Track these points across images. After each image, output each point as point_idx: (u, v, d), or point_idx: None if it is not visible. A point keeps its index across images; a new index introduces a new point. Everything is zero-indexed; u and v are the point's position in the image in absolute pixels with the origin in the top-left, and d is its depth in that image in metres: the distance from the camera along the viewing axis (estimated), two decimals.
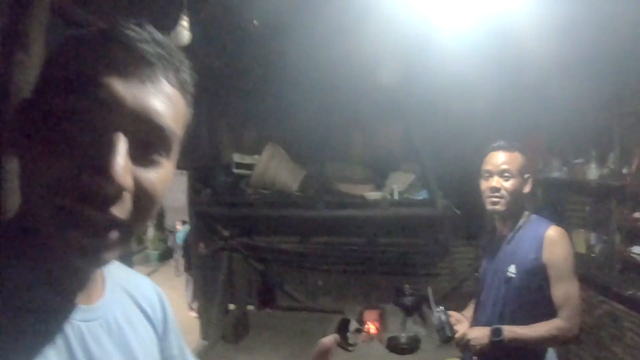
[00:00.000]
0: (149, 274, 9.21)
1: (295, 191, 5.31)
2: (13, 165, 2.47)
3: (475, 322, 2.48)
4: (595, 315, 4.10)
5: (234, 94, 5.87)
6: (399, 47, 4.20)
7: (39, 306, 0.65)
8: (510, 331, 2.18)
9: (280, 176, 5.26)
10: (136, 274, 0.98)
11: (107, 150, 0.59)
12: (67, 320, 0.67)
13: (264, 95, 5.66)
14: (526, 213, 2.38)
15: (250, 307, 6.68)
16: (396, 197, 5.12)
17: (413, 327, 5.57)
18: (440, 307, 2.54)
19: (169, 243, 9.52)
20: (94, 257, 0.64)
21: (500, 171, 2.29)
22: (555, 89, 4.34)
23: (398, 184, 5.22)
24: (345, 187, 5.21)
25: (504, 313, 2.30)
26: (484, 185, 2.35)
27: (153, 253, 9.93)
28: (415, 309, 5.74)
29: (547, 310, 2.23)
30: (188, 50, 5.01)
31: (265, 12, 3.91)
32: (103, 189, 0.58)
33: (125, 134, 0.61)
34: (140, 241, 10.54)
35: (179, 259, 8.48)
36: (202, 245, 5.77)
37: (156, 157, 0.67)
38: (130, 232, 0.66)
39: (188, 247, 6.78)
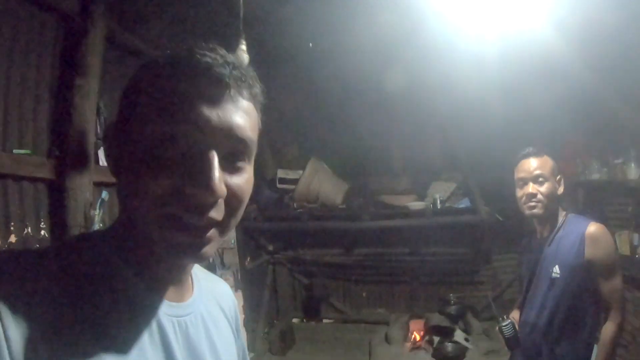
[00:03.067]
0: None
1: (339, 204, 5.25)
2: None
3: (522, 324, 2.45)
4: (638, 317, 3.95)
5: (276, 112, 5.88)
6: (437, 58, 4.15)
7: (140, 303, 0.73)
8: None
9: (324, 190, 5.23)
10: (215, 277, 1.03)
11: (205, 165, 0.68)
12: (164, 315, 0.76)
13: (305, 111, 5.67)
14: (563, 213, 2.36)
15: (295, 320, 6.63)
16: (439, 206, 5.02)
17: (459, 335, 5.43)
18: (508, 320, 2.46)
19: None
20: (197, 254, 0.71)
21: (534, 177, 2.29)
22: (590, 90, 4.25)
23: (440, 193, 5.14)
24: (388, 199, 5.15)
25: (552, 312, 2.27)
26: (520, 192, 2.35)
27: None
28: (460, 318, 5.61)
29: (592, 305, 2.23)
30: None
31: (312, 33, 3.93)
32: (205, 198, 0.68)
33: (216, 149, 0.69)
34: None
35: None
36: (248, 259, 5.74)
37: (241, 164, 0.75)
38: (225, 229, 0.75)
39: None
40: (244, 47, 2.88)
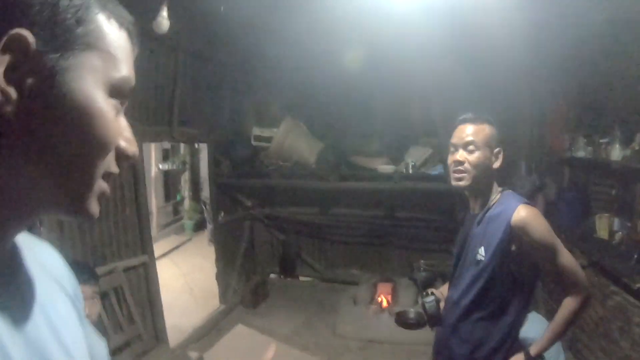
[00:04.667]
0: (183, 243, 9.27)
1: (312, 164, 5.10)
2: None
3: (447, 300, 2.25)
4: (607, 306, 3.73)
5: (256, 71, 5.69)
6: (418, 23, 3.93)
7: None
8: (538, 348, 1.96)
9: (298, 149, 5.08)
10: (38, 241, 0.74)
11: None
12: None
13: (285, 70, 5.48)
14: (498, 189, 2.08)
15: (273, 275, 6.59)
16: (410, 171, 4.84)
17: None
18: (432, 296, 2.28)
19: (205, 214, 9.45)
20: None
21: (465, 144, 2.01)
22: (581, 63, 4.04)
23: (414, 158, 4.95)
24: (359, 160, 4.98)
25: (475, 295, 2.05)
26: (449, 159, 2.09)
27: (188, 223, 9.91)
28: (428, 285, 5.50)
29: (519, 292, 2.02)
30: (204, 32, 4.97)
31: None
32: None
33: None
34: (177, 212, 10.52)
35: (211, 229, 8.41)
36: (222, 214, 5.65)
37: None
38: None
39: None
40: (165, 14, 2.70)
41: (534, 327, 2.17)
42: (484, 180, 2.03)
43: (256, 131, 5.41)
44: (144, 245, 4.21)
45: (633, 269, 3.47)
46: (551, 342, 1.96)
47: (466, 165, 2.00)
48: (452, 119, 2.17)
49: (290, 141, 5.08)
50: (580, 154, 4.35)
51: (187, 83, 4.71)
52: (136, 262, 4.10)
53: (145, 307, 4.27)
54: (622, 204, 4.07)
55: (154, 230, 9.23)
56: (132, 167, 3.92)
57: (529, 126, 5.01)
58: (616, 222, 4.07)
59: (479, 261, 2.02)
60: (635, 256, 3.58)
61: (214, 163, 5.38)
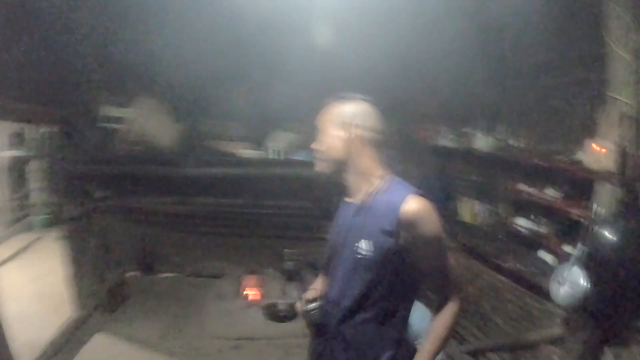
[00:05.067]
0: (33, 242, 8.21)
1: (166, 147, 4.60)
2: None
3: (325, 299, 1.95)
4: (477, 286, 3.79)
5: (108, 43, 5.02)
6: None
7: None
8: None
9: (150, 131, 4.54)
10: None
11: None
12: None
13: (139, 43, 4.89)
14: (381, 175, 1.82)
15: (130, 274, 5.97)
16: (273, 156, 4.53)
17: (293, 293, 5.09)
18: (314, 302, 1.96)
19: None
20: None
21: (317, 129, 1.89)
22: (445, 56, 4.07)
23: (277, 142, 4.63)
24: (220, 145, 4.56)
25: (358, 293, 1.79)
26: None
27: (39, 219, 8.78)
28: (296, 274, 5.27)
29: (408, 289, 1.81)
30: None
31: None
32: None
33: None
34: (22, 207, 9.24)
35: None
36: (69, 207, 4.94)
37: None
38: None
39: None
40: None
41: (416, 316, 1.94)
42: (343, 166, 1.82)
43: (105, 110, 4.78)
44: None
45: (500, 249, 3.74)
46: (436, 352, 1.76)
47: (318, 153, 1.86)
48: (319, 102, 1.93)
49: (142, 122, 4.53)
50: (444, 142, 4.53)
51: (27, 51, 3.92)
52: None
53: None
54: (483, 189, 4.34)
55: None
56: None
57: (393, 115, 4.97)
58: (478, 206, 4.26)
59: (360, 256, 1.74)
60: (500, 237, 3.75)
61: (59, 146, 4.66)
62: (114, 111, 4.82)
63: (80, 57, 4.81)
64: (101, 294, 5.16)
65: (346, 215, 1.88)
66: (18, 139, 9.08)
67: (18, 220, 8.89)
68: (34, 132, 8.89)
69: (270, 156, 4.52)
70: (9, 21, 3.60)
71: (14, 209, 9.17)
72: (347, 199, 1.92)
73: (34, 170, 8.93)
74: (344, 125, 1.79)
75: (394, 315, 1.79)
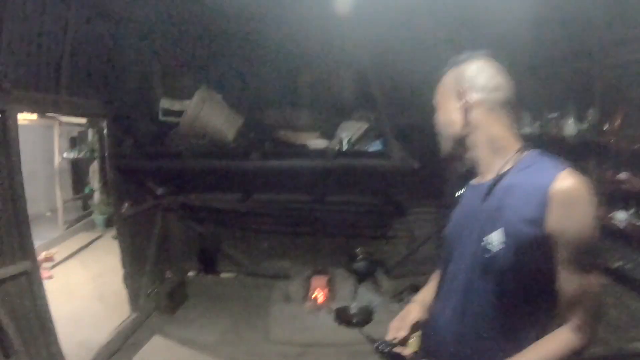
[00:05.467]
0: (94, 240, 8.13)
1: (230, 141, 4.26)
2: None
3: (435, 312, 1.55)
4: None
5: (165, 32, 4.75)
6: None
7: None
8: None
9: (214, 124, 4.23)
10: None
11: None
12: None
13: (199, 35, 4.60)
14: (518, 149, 1.39)
15: (190, 274, 5.70)
16: (345, 146, 4.10)
17: (365, 295, 4.68)
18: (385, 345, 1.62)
19: None
20: None
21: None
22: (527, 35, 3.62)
23: (348, 133, 4.21)
24: (286, 136, 4.18)
25: (486, 302, 1.35)
26: None
27: (99, 218, 8.72)
28: (368, 275, 4.84)
29: (542, 302, 1.32)
30: None
31: None
32: None
33: None
34: (87, 206, 9.34)
35: None
36: (126, 205, 4.68)
37: None
38: None
39: None
40: None
41: None
42: (468, 143, 1.44)
43: (164, 103, 4.49)
44: (24, 247, 3.10)
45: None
46: None
47: (437, 129, 1.54)
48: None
49: (205, 115, 4.20)
50: (527, 129, 3.96)
51: (79, 41, 3.70)
52: (13, 272, 2.98)
53: (31, 330, 3.19)
54: None
55: (60, 228, 8.10)
56: (3, 141, 2.92)
57: None
58: None
59: (490, 252, 1.31)
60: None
61: (114, 142, 4.40)
62: (173, 104, 4.51)
63: (137, 48, 4.58)
64: (160, 294, 4.90)
65: (472, 200, 1.45)
66: (78, 142, 9.11)
67: (80, 219, 8.88)
68: (93, 134, 8.90)
69: (341, 147, 4.09)
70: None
71: (76, 208, 9.23)
72: (474, 182, 1.50)
73: (95, 171, 8.88)
74: (461, 93, 1.41)
75: (530, 330, 1.33)
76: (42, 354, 3.29)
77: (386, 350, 1.60)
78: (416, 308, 1.70)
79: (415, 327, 1.65)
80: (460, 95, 1.41)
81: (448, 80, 1.47)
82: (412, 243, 5.22)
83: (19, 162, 3.03)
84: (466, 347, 1.39)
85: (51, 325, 3.34)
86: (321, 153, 4.06)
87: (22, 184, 3.07)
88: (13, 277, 3.01)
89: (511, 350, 1.30)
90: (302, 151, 4.12)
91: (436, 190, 5.06)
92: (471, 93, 1.39)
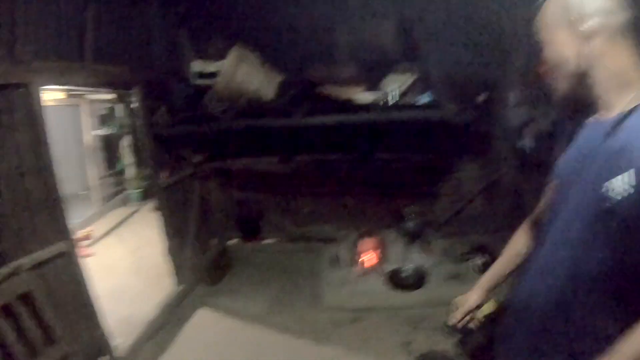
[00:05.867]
0: (130, 215, 8.04)
1: (270, 99, 3.98)
2: None
3: (530, 277, 1.33)
4: None
5: None
6: None
7: None
8: None
9: (251, 83, 3.95)
10: None
11: None
12: None
13: None
14: None
15: (231, 242, 5.52)
16: (392, 100, 3.79)
17: (416, 257, 4.42)
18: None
19: None
20: None
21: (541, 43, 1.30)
22: None
23: (394, 86, 3.90)
24: (330, 90, 3.88)
25: (602, 260, 1.09)
26: None
27: (134, 193, 8.66)
28: (418, 235, 4.58)
29: None
30: None
31: None
32: None
33: None
34: (121, 182, 9.25)
35: None
36: (164, 175, 4.47)
37: None
38: None
39: None
40: None
41: None
42: (586, 79, 1.19)
43: (197, 66, 4.23)
44: (59, 228, 2.92)
45: None
46: None
47: (546, 70, 1.30)
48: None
49: (242, 74, 3.93)
50: None
51: (102, 5, 3.43)
52: (50, 254, 2.82)
53: (72, 314, 3.04)
54: None
55: (95, 206, 8.03)
56: (27, 118, 2.70)
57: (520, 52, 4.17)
58: None
59: (612, 200, 1.04)
60: None
61: (146, 111, 4.16)
62: (206, 66, 4.24)
63: (163, 11, 4.30)
64: (202, 265, 4.74)
65: (590, 141, 1.20)
66: (107, 119, 8.99)
67: (114, 195, 8.80)
68: (122, 110, 8.75)
69: (388, 100, 3.78)
70: None
71: (111, 185, 9.15)
72: (591, 119, 1.25)
73: (126, 147, 8.76)
74: (573, 22, 1.17)
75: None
76: (85, 337, 3.14)
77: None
78: (477, 294, 1.69)
79: (473, 315, 1.66)
80: (572, 24, 1.16)
81: (553, 9, 1.22)
82: (459, 201, 4.95)
83: (46, 138, 2.82)
84: (569, 322, 1.17)
85: (93, 307, 3.19)
86: (369, 107, 3.76)
87: (51, 161, 2.86)
88: (49, 260, 2.84)
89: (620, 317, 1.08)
90: (349, 106, 3.82)
91: (484, 145, 4.76)
92: (585, 20, 1.14)
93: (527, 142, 4.36)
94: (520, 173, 4.58)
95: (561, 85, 1.25)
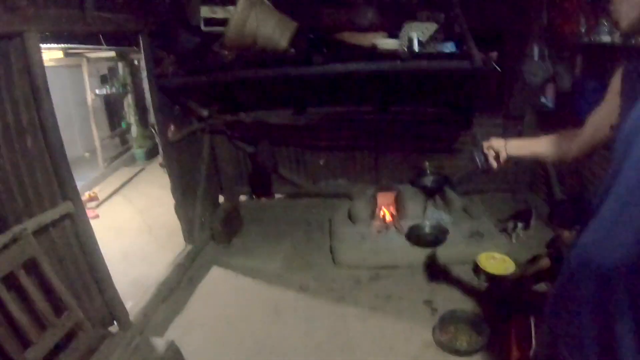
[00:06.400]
0: (136, 174, 7.84)
1: (284, 47, 3.70)
2: None
3: (583, 236, 1.28)
4: None
5: None
6: None
7: None
8: None
9: (264, 30, 3.64)
10: None
11: None
12: None
13: None
14: None
15: (242, 198, 5.33)
16: (417, 47, 3.51)
17: (435, 213, 4.24)
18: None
19: (156, 138, 7.98)
20: None
21: None
22: None
23: (417, 33, 3.60)
24: (349, 37, 3.60)
25: None
26: None
27: (139, 152, 8.45)
28: (437, 191, 4.38)
29: None
30: None
31: None
32: None
33: None
34: (125, 141, 9.03)
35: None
36: (172, 128, 4.22)
37: None
38: None
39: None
40: None
41: None
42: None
43: (205, 12, 3.91)
44: (64, 187, 2.70)
45: None
46: None
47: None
48: None
49: (253, 21, 3.62)
50: (604, 38, 3.37)
51: None
52: (55, 216, 2.60)
53: (83, 280, 2.87)
54: None
55: (100, 166, 7.84)
56: (25, 71, 2.43)
57: (541, 6, 3.97)
58: None
59: None
60: None
61: (151, 61, 3.88)
62: (215, 12, 3.93)
63: None
64: (215, 223, 4.54)
65: None
66: (109, 78, 8.71)
67: (119, 156, 8.60)
68: (123, 68, 8.45)
69: (413, 48, 3.48)
70: None
71: (115, 145, 8.95)
72: None
73: (129, 105, 8.51)
74: None
75: None
76: (97, 301, 2.97)
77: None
78: (504, 141, 1.87)
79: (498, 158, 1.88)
80: None
81: None
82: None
83: (47, 92, 2.55)
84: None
85: (104, 269, 3.00)
86: (393, 55, 3.47)
87: (53, 116, 2.60)
88: (55, 223, 2.63)
89: None
90: (370, 53, 3.52)
91: (504, 100, 4.52)
92: None
93: (548, 98, 4.15)
94: (540, 130, 4.37)
95: (617, 24, 1.22)
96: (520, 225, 4.14)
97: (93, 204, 6.20)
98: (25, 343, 2.22)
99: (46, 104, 2.55)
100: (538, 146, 1.78)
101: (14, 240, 2.28)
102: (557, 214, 3.64)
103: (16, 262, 2.26)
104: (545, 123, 4.32)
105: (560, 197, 4.12)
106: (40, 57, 2.52)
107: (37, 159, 2.54)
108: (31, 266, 2.38)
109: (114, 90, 8.43)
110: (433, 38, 3.79)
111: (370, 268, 3.86)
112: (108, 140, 8.72)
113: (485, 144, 1.94)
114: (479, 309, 3.20)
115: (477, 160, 1.97)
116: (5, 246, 2.23)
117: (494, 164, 1.90)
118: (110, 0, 3.21)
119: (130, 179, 7.71)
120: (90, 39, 5.54)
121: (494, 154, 1.89)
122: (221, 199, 5.23)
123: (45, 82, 2.55)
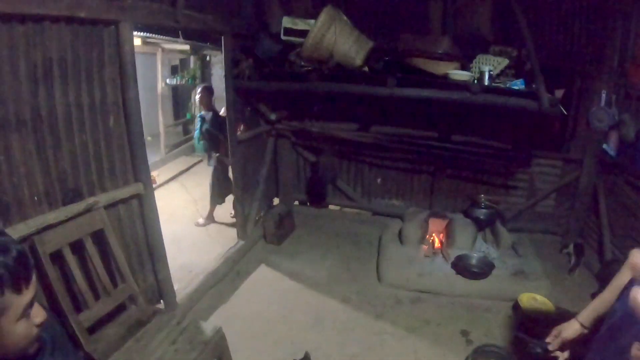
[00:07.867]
0: (194, 164, 8.07)
1: (358, 65, 3.79)
2: None
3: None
4: None
5: None
6: None
7: None
8: None
9: (341, 46, 3.76)
10: None
11: None
12: None
13: None
14: None
15: (297, 203, 5.45)
16: (487, 81, 3.53)
17: (483, 246, 4.21)
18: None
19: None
20: None
21: None
22: None
23: (489, 67, 3.62)
24: (422, 63, 3.64)
25: None
26: None
27: (199, 145, 8.65)
28: (488, 225, 4.35)
29: None
30: None
31: None
32: None
33: None
34: (187, 131, 9.31)
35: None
36: (241, 127, 4.38)
37: None
38: None
39: (212, 136, 5.44)
40: None
41: None
42: None
43: (287, 22, 4.06)
44: (137, 169, 2.87)
45: None
46: None
47: None
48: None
49: (332, 36, 3.74)
50: None
51: None
52: (125, 194, 2.79)
53: (140, 257, 3.04)
54: None
55: (162, 152, 8.11)
56: (116, 55, 2.61)
57: (614, 54, 3.92)
58: None
59: None
60: None
61: (232, 61, 4.03)
62: (296, 23, 4.07)
63: None
64: (268, 223, 4.65)
65: None
66: (180, 69, 8.99)
67: (180, 144, 8.86)
68: (195, 62, 8.72)
69: (483, 81, 3.49)
70: None
71: (177, 133, 9.22)
72: None
73: (197, 98, 8.74)
74: None
75: None
76: (149, 279, 3.14)
77: (536, 351, 1.73)
78: (576, 327, 1.66)
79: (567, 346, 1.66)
80: None
81: None
82: (531, 196, 4.65)
83: (135, 79, 2.73)
84: None
85: (161, 250, 3.17)
86: (464, 86, 3.50)
87: (137, 103, 2.78)
88: (125, 200, 2.81)
89: None
90: (442, 82, 3.56)
91: (565, 142, 4.45)
92: None
93: (611, 146, 4.05)
94: (599, 176, 4.27)
95: None
96: (573, 259, 4.11)
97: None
98: (78, 308, 2.38)
99: (132, 90, 2.72)
100: (608, 302, 1.60)
101: (87, 210, 2.46)
102: (608, 275, 3.54)
103: (85, 231, 2.43)
104: (604, 171, 4.22)
105: (610, 257, 3.97)
106: (132, 46, 2.70)
107: (116, 139, 2.72)
108: (97, 237, 2.55)
109: (183, 81, 8.72)
110: (503, 73, 3.80)
111: (413, 290, 3.87)
112: (171, 128, 9.00)
113: (554, 332, 1.75)
114: (513, 347, 3.17)
115: (533, 350, 1.77)
116: (79, 215, 2.39)
117: (561, 356, 1.71)
118: (200, 3, 3.38)
119: (189, 168, 7.95)
120: (171, 31, 5.74)
121: (561, 342, 1.71)
122: (276, 201, 5.35)
123: (134, 69, 2.73)
